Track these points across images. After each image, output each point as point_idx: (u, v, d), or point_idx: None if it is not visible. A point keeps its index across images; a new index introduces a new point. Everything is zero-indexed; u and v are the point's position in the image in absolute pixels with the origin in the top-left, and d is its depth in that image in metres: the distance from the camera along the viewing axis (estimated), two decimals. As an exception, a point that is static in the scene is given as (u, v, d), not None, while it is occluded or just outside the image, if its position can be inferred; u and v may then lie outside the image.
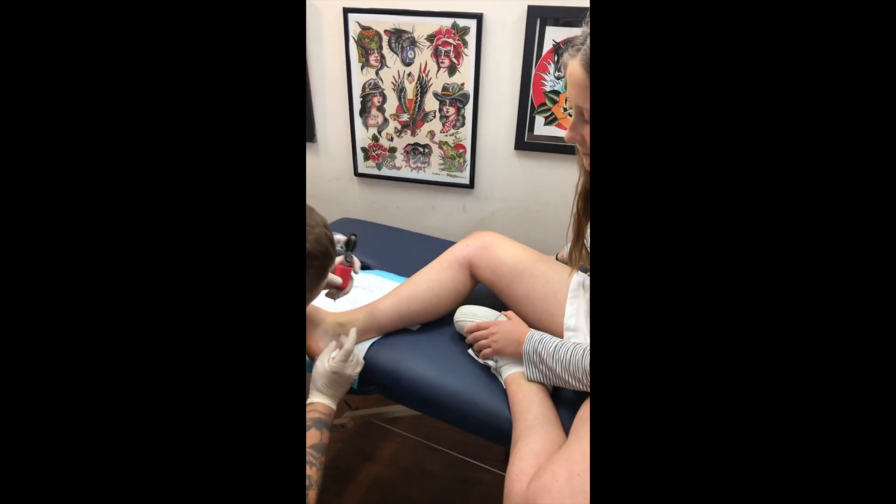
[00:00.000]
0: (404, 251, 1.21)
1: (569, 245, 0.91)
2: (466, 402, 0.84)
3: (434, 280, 0.95)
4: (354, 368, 0.80)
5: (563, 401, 0.82)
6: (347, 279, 0.86)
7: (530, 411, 0.75)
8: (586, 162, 0.71)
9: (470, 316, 0.92)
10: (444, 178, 1.36)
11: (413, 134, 1.33)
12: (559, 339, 0.81)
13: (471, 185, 1.36)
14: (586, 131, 0.65)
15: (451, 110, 1.27)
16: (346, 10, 1.22)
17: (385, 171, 1.40)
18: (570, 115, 1.22)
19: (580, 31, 0.63)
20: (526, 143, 1.26)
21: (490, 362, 0.87)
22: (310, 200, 0.89)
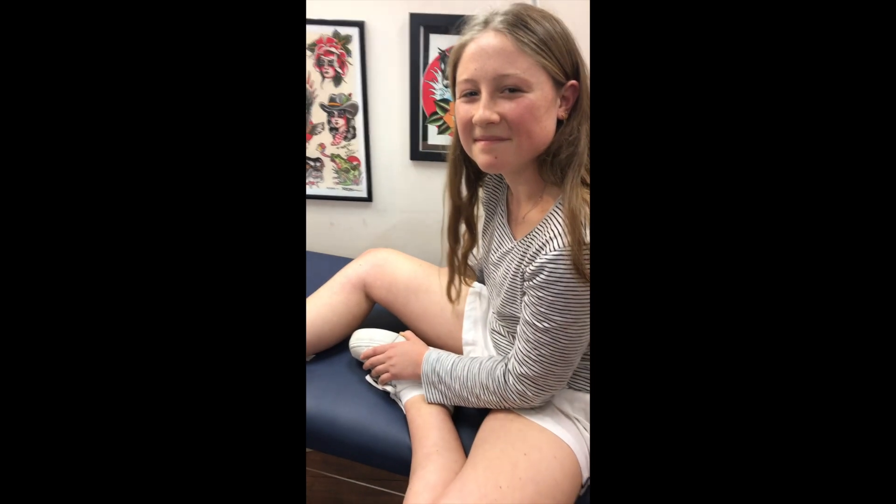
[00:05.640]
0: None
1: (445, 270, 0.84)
2: (365, 434, 0.78)
3: (325, 305, 0.89)
4: None
5: (467, 419, 0.79)
6: None
7: (429, 437, 0.71)
8: (485, 158, 0.62)
9: (366, 340, 0.87)
10: (339, 192, 1.30)
11: (302, 148, 1.25)
12: (457, 356, 0.78)
13: (369, 198, 1.30)
14: (507, 107, 0.59)
15: (341, 121, 1.22)
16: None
17: (276, 189, 1.31)
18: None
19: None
20: (421, 152, 1.23)
21: (389, 388, 0.83)
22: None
